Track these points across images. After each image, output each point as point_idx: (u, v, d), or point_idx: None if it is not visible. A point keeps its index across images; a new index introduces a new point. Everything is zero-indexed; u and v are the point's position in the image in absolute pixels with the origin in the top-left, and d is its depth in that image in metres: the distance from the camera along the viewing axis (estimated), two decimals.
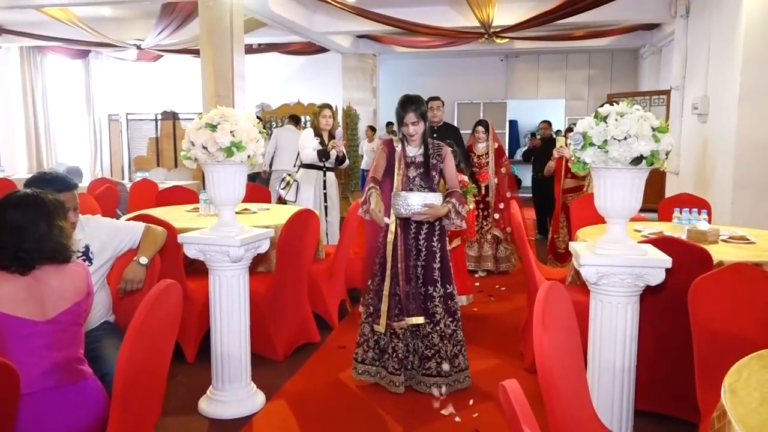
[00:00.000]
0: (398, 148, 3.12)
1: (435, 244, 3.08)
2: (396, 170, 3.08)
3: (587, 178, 5.06)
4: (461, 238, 4.38)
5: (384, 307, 3.04)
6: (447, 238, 3.15)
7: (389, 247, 3.04)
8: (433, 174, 3.09)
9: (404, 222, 3.03)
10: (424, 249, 3.06)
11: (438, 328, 3.06)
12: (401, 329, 3.05)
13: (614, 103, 2.26)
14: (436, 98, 5.53)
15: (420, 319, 3.03)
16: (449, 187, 3.11)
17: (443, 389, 3.05)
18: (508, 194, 5.54)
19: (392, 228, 3.04)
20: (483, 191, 5.54)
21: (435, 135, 5.18)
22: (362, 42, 11.25)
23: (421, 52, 11.65)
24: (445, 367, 3.05)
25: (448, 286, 3.09)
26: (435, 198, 2.97)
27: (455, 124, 12.50)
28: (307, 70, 12.40)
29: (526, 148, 10.87)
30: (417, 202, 2.92)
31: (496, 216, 5.59)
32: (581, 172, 2.35)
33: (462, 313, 4.10)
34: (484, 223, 5.63)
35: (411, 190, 3.04)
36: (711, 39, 5.72)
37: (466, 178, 4.15)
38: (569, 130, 5.27)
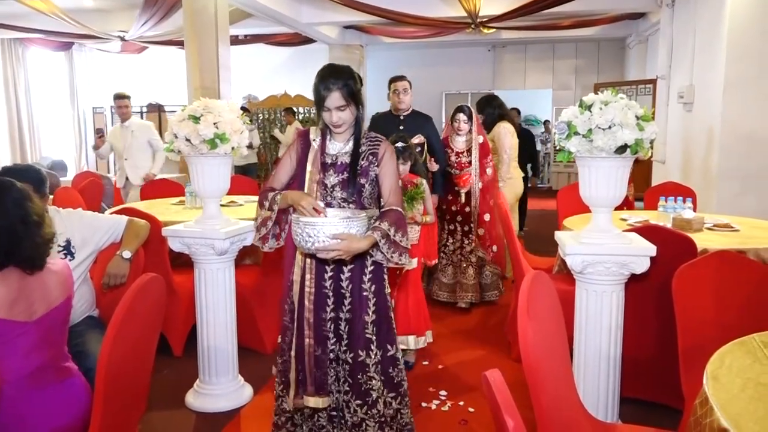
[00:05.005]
0: (315, 142, 2.12)
1: (366, 286, 2.07)
2: (307, 175, 2.08)
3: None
4: (418, 259, 3.24)
5: (292, 375, 2.09)
6: (386, 276, 2.14)
7: (295, 288, 2.08)
8: (362, 182, 2.07)
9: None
10: (348, 294, 2.07)
11: (374, 411, 2.07)
12: (308, 408, 2.11)
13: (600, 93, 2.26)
14: (402, 78, 4.12)
15: (320, 402, 2.06)
16: (385, 204, 2.07)
17: None
18: (492, 202, 4.30)
19: (299, 261, 2.08)
20: (463, 199, 4.27)
21: (402, 128, 3.90)
22: (349, 33, 11.19)
23: (409, 43, 11.61)
24: None
25: (389, 347, 2.12)
26: (358, 222, 1.91)
27: (442, 116, 12.64)
28: (293, 61, 12.33)
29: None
30: (322, 231, 1.85)
31: (481, 231, 4.29)
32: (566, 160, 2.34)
33: (452, 307, 4.14)
34: (465, 241, 4.28)
35: (329, 205, 2.06)
36: (696, 28, 5.74)
37: (422, 180, 3.25)
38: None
